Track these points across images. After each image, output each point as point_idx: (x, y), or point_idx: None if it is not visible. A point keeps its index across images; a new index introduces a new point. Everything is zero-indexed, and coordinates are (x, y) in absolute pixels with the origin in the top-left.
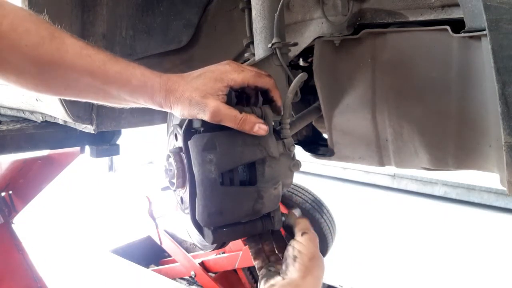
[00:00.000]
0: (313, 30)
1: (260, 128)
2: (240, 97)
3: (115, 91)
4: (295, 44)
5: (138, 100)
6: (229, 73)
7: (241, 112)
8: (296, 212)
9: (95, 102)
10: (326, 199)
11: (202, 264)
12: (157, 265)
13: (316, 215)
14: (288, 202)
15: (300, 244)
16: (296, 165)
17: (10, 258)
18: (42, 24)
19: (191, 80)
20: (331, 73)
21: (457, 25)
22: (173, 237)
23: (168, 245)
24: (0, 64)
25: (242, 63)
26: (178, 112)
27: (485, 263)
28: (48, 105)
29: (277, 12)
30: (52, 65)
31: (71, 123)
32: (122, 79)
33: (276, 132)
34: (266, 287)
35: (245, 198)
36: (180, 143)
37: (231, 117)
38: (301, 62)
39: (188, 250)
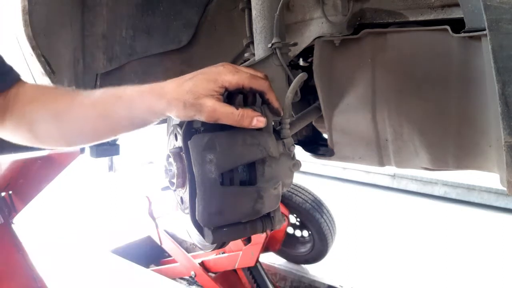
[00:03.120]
0: (313, 30)
1: (258, 121)
2: (230, 97)
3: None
4: (295, 44)
5: (135, 114)
6: (223, 75)
7: (237, 109)
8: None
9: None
10: (326, 199)
11: (202, 264)
12: (157, 265)
13: (316, 215)
14: (288, 202)
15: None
16: (296, 165)
17: (10, 258)
18: (61, 98)
19: (183, 83)
20: (331, 73)
21: (457, 25)
22: (173, 237)
23: (168, 245)
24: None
25: (242, 63)
26: (174, 115)
27: (485, 263)
28: None
29: (277, 12)
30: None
31: None
32: (115, 96)
33: (276, 132)
34: None
35: (245, 198)
36: (180, 143)
37: (228, 114)
38: (301, 62)
39: (188, 250)
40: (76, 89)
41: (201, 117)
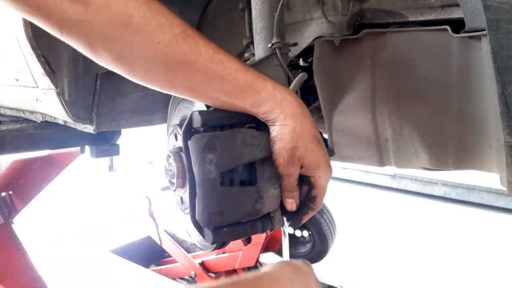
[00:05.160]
0: (313, 30)
1: None
2: None
3: (239, 100)
4: (295, 44)
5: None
6: None
7: None
8: None
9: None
10: (326, 199)
11: (202, 264)
12: (157, 265)
13: (316, 215)
14: None
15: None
16: None
17: (10, 258)
18: (175, 19)
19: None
20: (331, 73)
21: (457, 25)
22: (173, 237)
23: (168, 245)
24: (129, 59)
25: None
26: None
27: (485, 263)
28: (48, 105)
29: (277, 12)
30: (183, 65)
31: (71, 123)
32: (252, 89)
33: None
34: None
35: (245, 198)
36: (180, 143)
37: None
38: (301, 62)
39: (188, 250)
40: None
41: None
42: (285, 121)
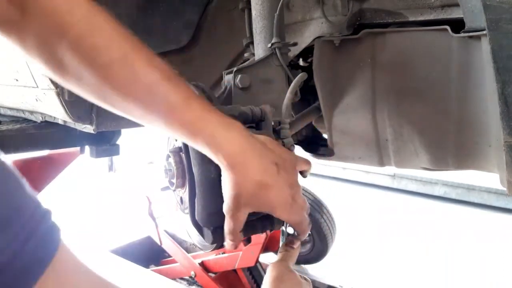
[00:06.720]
0: (313, 30)
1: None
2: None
3: (177, 136)
4: (295, 44)
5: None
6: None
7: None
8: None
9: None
10: (326, 199)
11: (202, 264)
12: (157, 265)
13: (316, 215)
14: None
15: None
16: None
17: None
18: (115, 40)
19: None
20: (331, 73)
21: (457, 25)
22: (173, 237)
23: (168, 245)
24: (64, 74)
25: (242, 63)
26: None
27: (485, 263)
28: (48, 105)
29: (277, 12)
30: (117, 92)
31: (71, 123)
32: (188, 131)
33: (276, 132)
34: None
35: None
36: (180, 143)
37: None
38: (301, 62)
39: (188, 250)
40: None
41: None
42: (225, 170)
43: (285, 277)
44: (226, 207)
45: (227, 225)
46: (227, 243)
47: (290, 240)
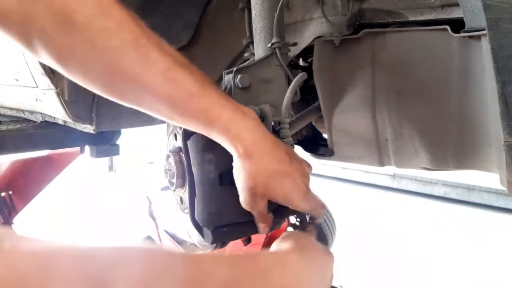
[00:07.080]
0: (313, 30)
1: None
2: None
3: (192, 126)
4: (295, 44)
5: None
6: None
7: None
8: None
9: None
10: (326, 199)
11: None
12: None
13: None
14: None
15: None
16: None
17: None
18: (126, 22)
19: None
20: (331, 73)
21: (457, 25)
22: (173, 237)
23: (168, 245)
24: (69, 60)
25: (242, 63)
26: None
27: (485, 263)
28: (48, 105)
29: (277, 12)
30: (129, 79)
31: (70, 123)
32: (204, 119)
33: (276, 132)
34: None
35: None
36: (179, 143)
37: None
38: (301, 62)
39: (188, 250)
40: None
41: None
42: (239, 161)
43: (317, 247)
44: (244, 201)
45: (254, 214)
46: (259, 226)
47: (307, 224)
